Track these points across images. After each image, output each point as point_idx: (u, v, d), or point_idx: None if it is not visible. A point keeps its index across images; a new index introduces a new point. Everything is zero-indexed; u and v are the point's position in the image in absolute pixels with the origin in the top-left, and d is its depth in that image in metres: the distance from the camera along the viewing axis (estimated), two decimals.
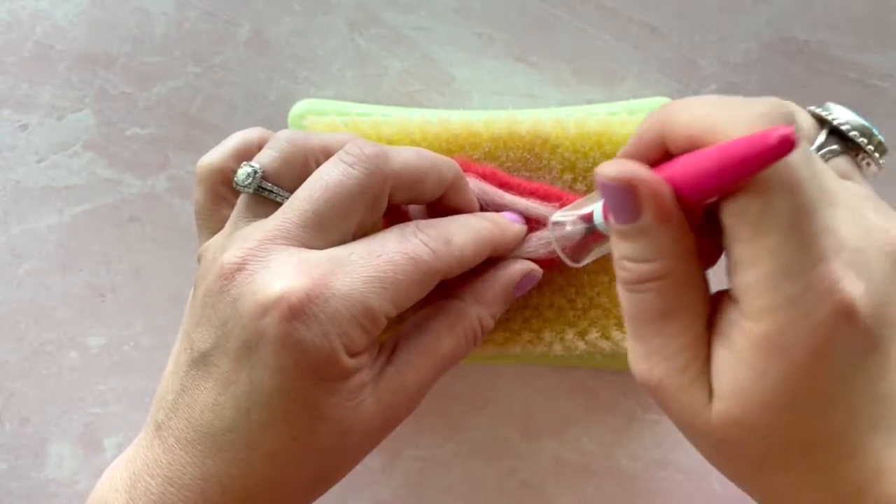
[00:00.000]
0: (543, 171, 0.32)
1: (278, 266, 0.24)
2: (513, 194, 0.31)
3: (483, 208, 0.31)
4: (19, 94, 0.37)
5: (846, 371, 0.21)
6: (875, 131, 0.25)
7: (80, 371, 0.37)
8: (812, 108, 0.26)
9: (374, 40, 0.36)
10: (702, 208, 0.23)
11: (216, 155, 0.29)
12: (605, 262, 0.32)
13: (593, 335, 0.32)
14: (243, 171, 0.26)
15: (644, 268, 0.22)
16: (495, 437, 0.36)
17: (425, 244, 0.26)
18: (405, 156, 0.27)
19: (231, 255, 0.25)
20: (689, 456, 0.36)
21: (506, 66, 0.36)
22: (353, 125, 0.32)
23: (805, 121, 0.25)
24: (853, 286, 0.20)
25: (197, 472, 0.24)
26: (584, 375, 0.36)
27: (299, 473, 0.25)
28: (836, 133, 0.25)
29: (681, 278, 0.23)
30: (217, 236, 0.28)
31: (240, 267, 0.25)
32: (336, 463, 0.26)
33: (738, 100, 0.22)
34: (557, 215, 0.28)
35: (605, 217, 0.25)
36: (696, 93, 0.36)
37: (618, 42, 0.36)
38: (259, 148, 0.28)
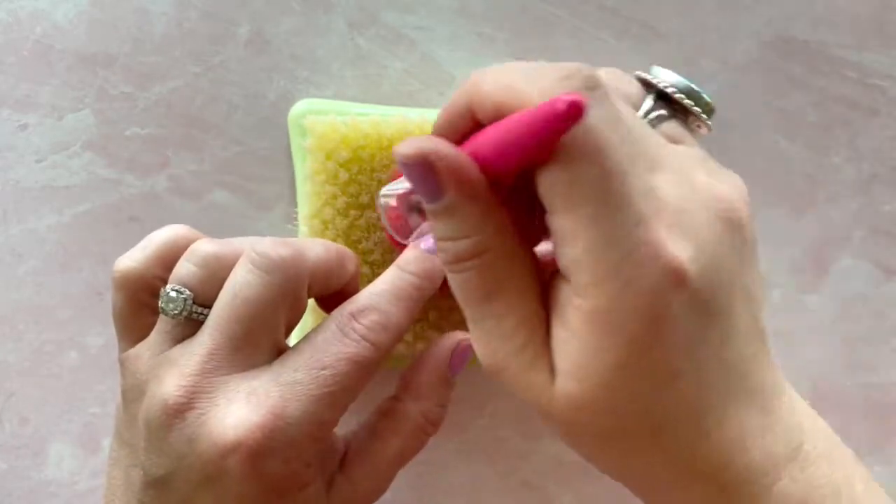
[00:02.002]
0: None
1: (228, 404, 0.24)
2: None
3: None
4: (19, 94, 0.37)
5: (686, 341, 0.20)
6: (702, 92, 0.24)
7: (80, 371, 0.37)
8: (638, 72, 0.25)
9: (374, 40, 0.36)
10: (512, 180, 0.22)
11: (137, 260, 0.27)
12: None
13: None
14: (171, 299, 0.25)
15: (459, 246, 0.21)
16: (495, 437, 0.36)
17: (365, 339, 0.26)
18: (317, 251, 0.27)
19: (173, 391, 0.24)
20: None
21: None
22: (353, 125, 0.32)
23: (632, 86, 0.25)
24: (679, 249, 0.20)
25: None
26: None
27: None
28: (663, 97, 0.25)
29: (499, 254, 0.22)
30: (142, 347, 0.27)
31: (187, 406, 0.24)
32: None
33: (541, 65, 0.21)
34: (384, 190, 0.28)
35: None
36: None
37: (618, 42, 0.36)
38: (184, 250, 0.27)
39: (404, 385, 0.29)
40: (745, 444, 0.21)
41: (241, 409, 0.24)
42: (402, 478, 0.36)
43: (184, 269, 0.26)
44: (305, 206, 0.33)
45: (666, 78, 0.25)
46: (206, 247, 0.26)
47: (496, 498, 0.36)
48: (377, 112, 0.34)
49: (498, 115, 0.21)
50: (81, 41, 0.36)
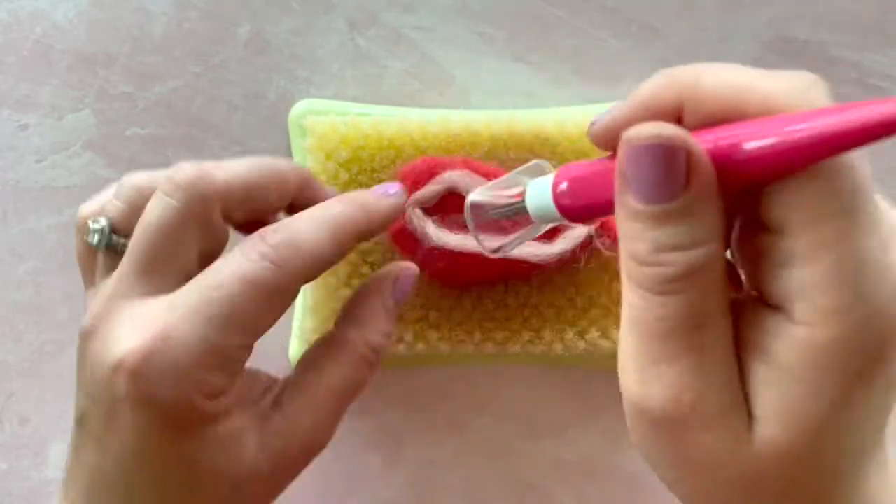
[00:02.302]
0: None
1: (119, 327, 0.23)
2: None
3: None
4: (19, 94, 0.37)
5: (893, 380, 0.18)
6: None
7: None
8: None
9: (374, 40, 0.36)
10: (738, 193, 0.19)
11: (95, 205, 0.27)
12: (606, 261, 0.32)
13: (593, 334, 0.32)
14: (90, 230, 0.25)
15: (691, 255, 0.18)
16: (495, 437, 0.36)
17: (266, 258, 0.24)
18: (232, 170, 0.25)
19: (85, 318, 0.24)
20: None
21: (506, 66, 0.36)
22: (353, 125, 0.32)
23: None
24: None
25: None
26: (584, 375, 0.36)
27: None
28: None
29: (722, 270, 0.19)
30: (91, 291, 0.27)
31: (92, 332, 0.24)
32: None
33: (769, 72, 0.19)
34: (475, 195, 0.25)
35: (565, 202, 0.22)
36: None
37: (618, 42, 0.36)
38: (147, 196, 0.26)
39: (345, 314, 0.28)
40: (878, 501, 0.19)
41: (127, 332, 0.23)
42: (402, 477, 0.37)
43: (109, 202, 0.26)
44: None
45: None
46: (128, 180, 0.26)
47: (496, 498, 0.36)
48: (377, 112, 0.34)
49: (720, 118, 0.19)
50: (81, 41, 0.36)
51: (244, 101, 0.36)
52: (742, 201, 0.20)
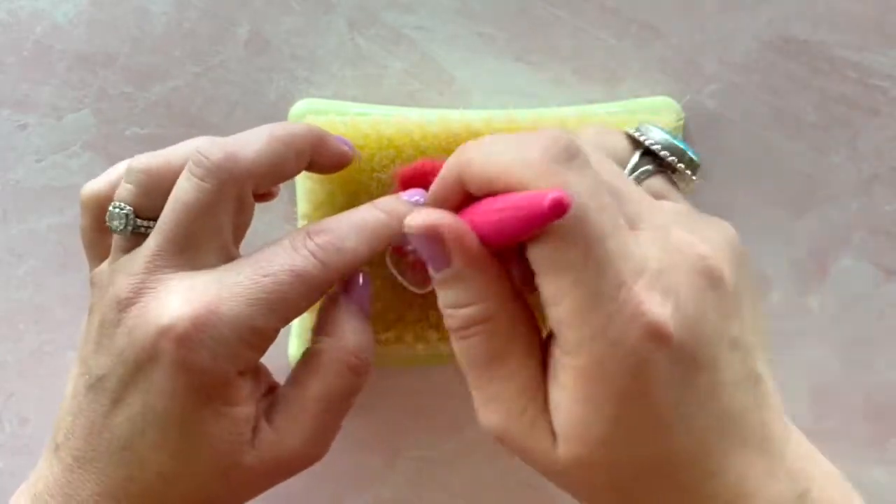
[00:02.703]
0: None
1: (167, 295, 0.25)
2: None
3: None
4: (19, 94, 0.37)
5: (673, 396, 0.21)
6: (687, 150, 0.26)
7: None
8: (627, 129, 0.27)
9: (374, 40, 0.36)
10: (507, 250, 0.23)
11: (102, 183, 0.29)
12: None
13: None
14: (114, 216, 0.27)
15: (466, 312, 0.23)
16: None
17: (314, 256, 0.26)
18: (255, 148, 0.26)
19: (123, 287, 0.26)
20: None
21: (506, 66, 0.36)
22: (353, 125, 0.32)
23: (618, 142, 0.26)
24: (659, 307, 0.20)
25: (95, 489, 0.25)
26: None
27: (188, 495, 0.26)
28: (649, 153, 0.26)
29: (504, 320, 0.23)
30: (104, 265, 0.28)
31: (133, 299, 0.25)
32: (219, 495, 0.26)
33: (523, 139, 0.22)
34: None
35: None
36: (697, 92, 0.36)
37: (618, 42, 0.36)
38: (159, 173, 0.27)
39: (317, 327, 0.29)
40: (747, 489, 0.22)
41: (178, 300, 0.25)
42: (403, 477, 0.37)
43: (122, 187, 0.27)
44: (305, 204, 0.33)
45: (652, 136, 0.26)
46: (136, 164, 0.27)
47: (496, 498, 0.36)
48: (377, 112, 0.34)
49: (489, 190, 0.22)
50: (81, 41, 0.36)
51: (244, 101, 0.36)
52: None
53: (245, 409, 0.26)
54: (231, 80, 0.36)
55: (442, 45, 0.36)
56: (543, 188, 0.20)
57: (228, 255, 0.27)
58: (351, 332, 0.28)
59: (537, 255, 0.21)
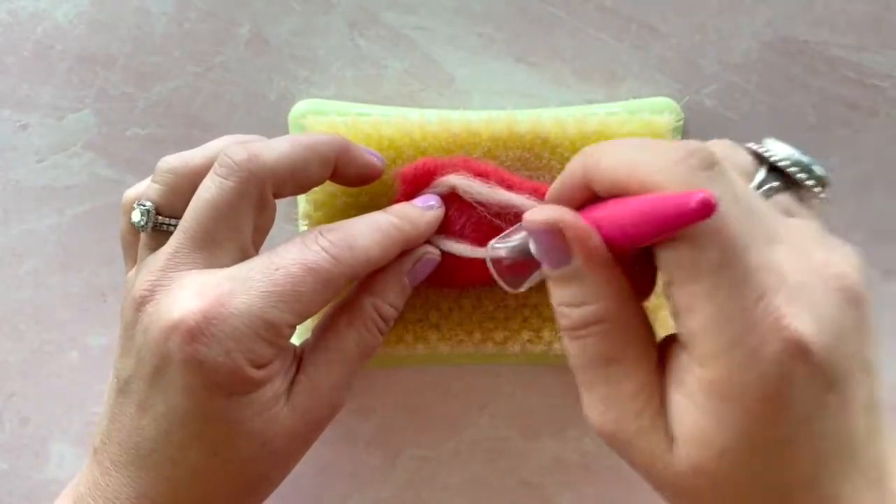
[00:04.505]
0: (543, 170, 0.32)
1: (179, 291, 0.25)
2: (510, 191, 0.31)
3: (474, 206, 0.31)
4: (19, 94, 0.37)
5: (805, 413, 0.20)
6: (813, 165, 0.25)
7: (81, 371, 0.37)
8: (750, 145, 0.26)
9: (374, 40, 0.36)
10: (631, 253, 0.23)
11: (140, 188, 0.29)
12: None
13: None
14: (137, 212, 0.27)
15: (583, 312, 0.22)
16: (495, 436, 0.36)
17: (325, 251, 0.26)
18: (279, 150, 0.27)
19: (138, 287, 0.26)
20: None
21: (506, 66, 0.36)
22: (353, 125, 0.32)
23: (743, 158, 0.25)
24: (801, 322, 0.20)
25: (131, 492, 0.25)
26: None
27: (224, 487, 0.26)
28: (775, 169, 0.25)
29: (621, 321, 0.22)
30: (133, 269, 0.29)
31: (147, 297, 0.26)
32: (263, 472, 0.27)
33: (658, 144, 0.22)
34: (495, 242, 0.28)
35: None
36: (697, 93, 0.36)
37: (618, 42, 0.36)
38: (186, 178, 0.28)
39: (363, 282, 0.30)
40: None
41: (188, 295, 0.25)
42: (403, 477, 0.37)
43: (149, 186, 0.28)
44: (305, 205, 0.33)
45: (778, 151, 0.25)
46: (163, 164, 0.28)
47: (496, 498, 0.36)
48: (377, 112, 0.34)
49: (615, 191, 0.22)
50: (82, 41, 0.36)
51: (244, 101, 0.36)
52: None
53: (270, 388, 0.26)
54: (231, 81, 0.36)
55: (442, 45, 0.36)
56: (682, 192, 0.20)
57: (246, 255, 0.27)
58: (390, 298, 0.29)
59: (672, 261, 0.21)
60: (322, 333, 0.29)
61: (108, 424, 0.26)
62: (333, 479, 0.36)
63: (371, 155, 0.30)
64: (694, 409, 0.21)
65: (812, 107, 0.36)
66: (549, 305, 0.32)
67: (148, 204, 0.27)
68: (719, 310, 0.20)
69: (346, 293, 0.30)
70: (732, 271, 0.20)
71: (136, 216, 0.27)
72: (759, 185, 0.25)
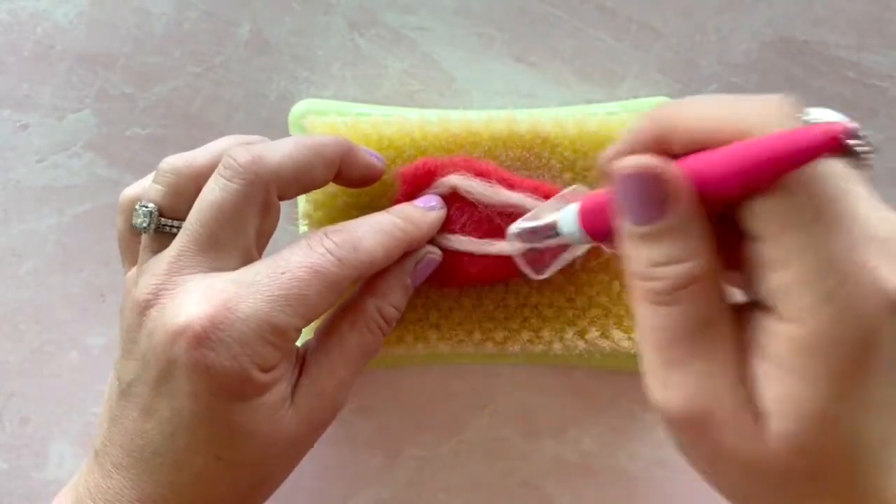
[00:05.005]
0: (543, 170, 0.32)
1: (185, 295, 0.25)
2: (509, 190, 0.31)
3: (475, 205, 0.31)
4: (19, 94, 0.37)
5: (891, 372, 0.19)
6: (861, 132, 0.24)
7: (81, 371, 0.37)
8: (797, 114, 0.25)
9: (374, 40, 0.36)
10: (714, 213, 0.21)
11: (138, 187, 0.29)
12: (605, 261, 0.32)
13: (593, 334, 0.32)
14: (139, 214, 0.27)
15: (679, 270, 0.20)
16: (495, 437, 0.36)
17: (331, 253, 0.26)
18: (283, 152, 0.27)
19: (142, 290, 0.26)
20: None
21: (506, 66, 0.36)
22: (353, 125, 0.32)
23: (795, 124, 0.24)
24: (892, 274, 0.19)
25: (133, 494, 0.25)
26: (584, 375, 0.36)
27: (228, 489, 0.26)
28: None
29: (715, 280, 0.21)
30: (133, 269, 0.28)
31: (152, 301, 0.26)
32: (266, 474, 0.27)
33: (742, 98, 0.21)
34: (515, 226, 0.28)
35: (588, 225, 0.24)
36: (697, 93, 0.36)
37: (618, 42, 0.36)
38: (188, 174, 0.28)
39: (366, 284, 0.30)
40: None
41: (194, 300, 0.25)
42: (403, 477, 0.37)
43: (150, 187, 0.28)
44: (305, 205, 0.33)
45: (826, 117, 0.24)
46: (165, 165, 0.28)
47: (496, 498, 0.36)
48: (377, 112, 0.34)
49: (700, 146, 0.21)
50: (82, 41, 0.36)
51: (244, 101, 0.36)
52: (730, 213, 0.21)
53: (278, 390, 0.26)
54: (231, 81, 0.36)
55: (442, 45, 0.36)
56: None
57: (250, 258, 0.27)
58: (393, 300, 0.29)
59: (764, 212, 0.19)
60: (324, 335, 0.29)
61: (109, 427, 0.26)
62: (333, 479, 0.36)
63: (372, 156, 0.30)
64: (783, 374, 0.19)
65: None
66: (549, 305, 0.33)
67: (150, 205, 0.27)
68: (814, 262, 0.19)
69: (349, 295, 0.30)
70: (828, 221, 0.19)
71: (138, 218, 0.27)
72: None
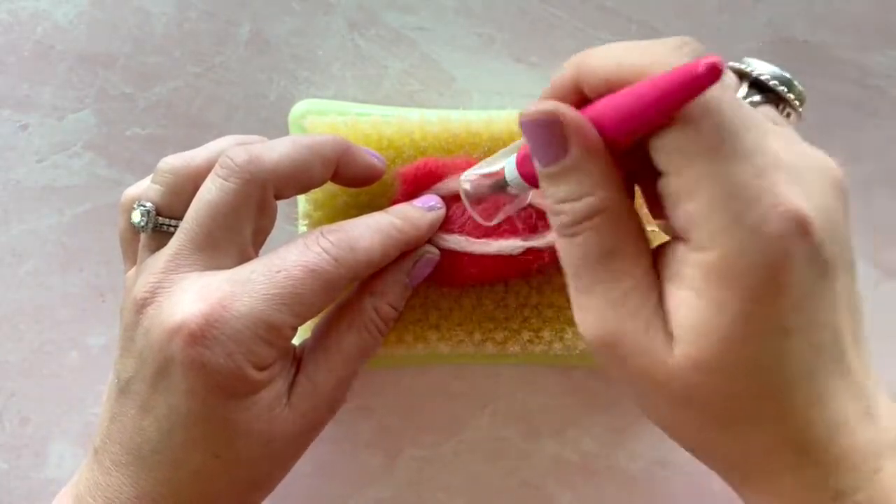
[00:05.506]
0: None
1: (181, 294, 0.25)
2: None
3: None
4: (19, 94, 0.37)
5: (802, 299, 0.20)
6: (795, 81, 0.25)
7: (81, 371, 0.37)
8: (731, 63, 0.26)
9: (374, 40, 0.36)
10: (622, 150, 0.22)
11: (139, 187, 0.29)
12: None
13: None
14: (137, 213, 0.27)
15: (580, 205, 0.22)
16: (495, 437, 0.36)
17: (327, 252, 0.26)
18: (280, 152, 0.27)
19: (139, 289, 0.26)
20: (689, 456, 0.36)
21: (506, 66, 0.36)
22: (353, 125, 0.32)
23: (727, 75, 0.25)
24: (800, 199, 0.20)
25: (132, 492, 0.25)
26: (584, 375, 0.36)
27: (226, 486, 0.26)
28: (756, 85, 0.25)
29: (620, 211, 0.22)
30: (133, 268, 0.29)
31: (149, 299, 0.26)
32: (263, 472, 0.27)
33: (648, 41, 0.22)
34: (466, 174, 0.28)
35: (522, 170, 0.25)
36: None
37: (618, 42, 0.36)
38: (186, 174, 0.28)
39: (364, 283, 0.30)
40: (848, 423, 0.21)
41: (190, 298, 0.25)
42: (403, 477, 0.37)
43: (149, 187, 0.28)
44: (305, 205, 0.33)
45: (760, 67, 0.25)
46: (163, 165, 0.28)
47: (496, 498, 0.36)
48: (377, 112, 0.34)
49: (607, 88, 0.22)
50: (82, 42, 0.36)
51: (244, 101, 0.36)
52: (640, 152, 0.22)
53: (271, 390, 0.26)
54: (231, 81, 0.36)
55: (442, 45, 0.36)
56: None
57: (247, 257, 0.27)
58: (390, 299, 0.29)
59: (669, 147, 0.20)
60: (322, 334, 0.29)
61: (108, 424, 0.27)
62: (333, 479, 0.36)
63: (371, 156, 0.30)
64: (693, 298, 0.20)
65: (812, 107, 0.36)
66: (549, 305, 0.33)
67: (148, 204, 0.27)
68: (719, 189, 0.20)
69: (347, 294, 0.30)
70: (730, 150, 0.20)
71: (136, 217, 0.27)
72: (742, 99, 0.25)
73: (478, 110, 0.34)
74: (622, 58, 0.21)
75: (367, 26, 0.36)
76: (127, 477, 0.26)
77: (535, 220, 0.31)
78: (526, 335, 0.33)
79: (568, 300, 0.32)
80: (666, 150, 0.21)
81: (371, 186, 0.31)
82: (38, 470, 0.37)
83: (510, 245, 0.31)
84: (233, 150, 0.27)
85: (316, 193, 0.32)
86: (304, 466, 0.29)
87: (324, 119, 0.33)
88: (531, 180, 0.25)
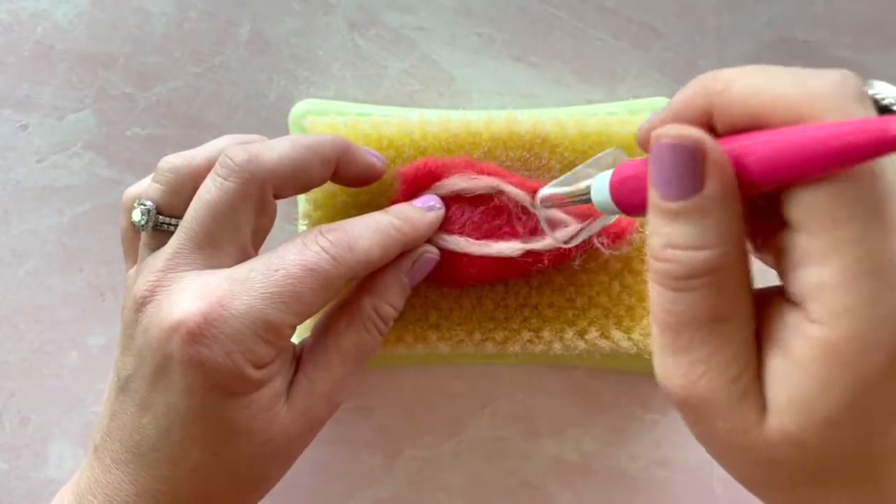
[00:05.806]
0: (543, 170, 0.32)
1: (180, 292, 0.25)
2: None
3: (475, 205, 0.31)
4: (19, 94, 0.37)
5: None
6: None
7: (81, 371, 0.37)
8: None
9: (374, 40, 0.36)
10: (751, 198, 0.20)
11: (140, 186, 0.29)
12: (605, 262, 0.32)
13: (593, 334, 0.32)
14: (137, 212, 0.27)
15: (700, 256, 0.19)
16: (495, 437, 0.36)
17: (325, 251, 0.26)
18: (279, 151, 0.27)
19: (139, 287, 0.26)
20: (689, 456, 0.36)
21: (506, 66, 0.36)
22: (353, 125, 0.32)
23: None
24: None
25: (132, 489, 0.26)
26: (584, 375, 0.36)
27: (225, 484, 0.26)
28: (885, 111, 0.21)
29: (738, 272, 0.19)
30: (134, 268, 0.29)
31: (148, 298, 0.26)
32: (262, 471, 0.27)
33: (796, 70, 0.19)
34: (545, 190, 0.28)
35: (619, 196, 0.23)
36: None
37: (618, 42, 0.36)
38: (187, 174, 0.28)
39: (363, 283, 0.30)
40: None
41: (189, 296, 0.25)
42: (403, 477, 0.37)
43: (149, 186, 0.28)
44: (305, 204, 0.33)
45: (886, 91, 0.21)
46: (164, 164, 0.28)
47: (496, 498, 0.36)
48: (377, 112, 0.34)
49: (750, 124, 0.19)
50: (82, 41, 0.36)
51: (244, 101, 0.36)
52: (765, 198, 0.20)
53: (270, 389, 0.26)
54: (231, 81, 0.36)
55: (442, 45, 0.36)
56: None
57: (246, 256, 0.27)
58: (390, 298, 0.29)
59: (811, 202, 0.18)
60: (321, 333, 0.29)
61: (108, 422, 0.27)
62: (333, 479, 0.36)
63: (371, 155, 0.30)
64: (798, 374, 0.18)
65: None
66: (549, 305, 0.33)
67: (149, 203, 0.27)
68: (858, 262, 0.17)
69: (346, 293, 0.30)
70: (883, 220, 0.17)
71: (136, 215, 0.27)
72: None
73: (478, 110, 0.34)
74: (772, 91, 0.19)
75: (367, 26, 0.36)
76: (126, 474, 0.26)
77: (534, 223, 0.31)
78: (526, 335, 0.33)
79: (568, 300, 0.33)
80: (808, 206, 0.18)
81: (371, 186, 0.31)
82: (38, 470, 0.37)
83: (510, 247, 0.31)
84: (232, 150, 0.27)
85: (315, 193, 0.32)
86: (304, 466, 0.29)
87: (324, 119, 0.33)
88: (628, 209, 0.23)
